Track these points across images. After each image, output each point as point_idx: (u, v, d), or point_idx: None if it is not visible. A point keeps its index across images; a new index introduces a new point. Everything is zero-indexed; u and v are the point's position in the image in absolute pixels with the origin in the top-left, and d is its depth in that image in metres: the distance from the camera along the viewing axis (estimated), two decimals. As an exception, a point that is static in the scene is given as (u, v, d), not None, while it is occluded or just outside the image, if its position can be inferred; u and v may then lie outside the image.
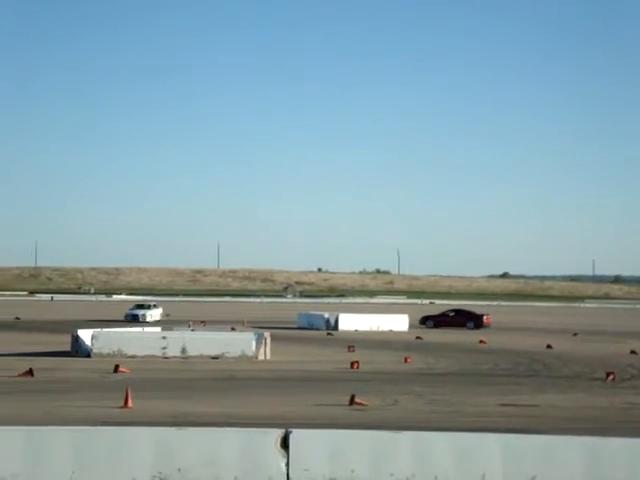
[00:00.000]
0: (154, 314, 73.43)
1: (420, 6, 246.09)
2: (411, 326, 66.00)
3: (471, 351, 46.30)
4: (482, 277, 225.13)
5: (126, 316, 71.99)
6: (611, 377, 32.90)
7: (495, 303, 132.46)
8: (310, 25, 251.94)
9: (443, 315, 71.61)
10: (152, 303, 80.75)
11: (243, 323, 64.64)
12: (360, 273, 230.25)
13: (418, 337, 55.56)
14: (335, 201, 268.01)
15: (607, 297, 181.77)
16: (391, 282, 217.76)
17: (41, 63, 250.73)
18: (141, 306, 76.71)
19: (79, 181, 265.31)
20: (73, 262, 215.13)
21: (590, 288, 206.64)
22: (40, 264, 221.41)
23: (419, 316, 72.08)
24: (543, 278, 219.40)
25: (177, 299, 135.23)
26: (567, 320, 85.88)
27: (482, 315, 70.55)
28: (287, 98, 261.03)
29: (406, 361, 39.06)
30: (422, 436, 13.25)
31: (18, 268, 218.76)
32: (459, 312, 72.69)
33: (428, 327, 68.59)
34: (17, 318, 73.91)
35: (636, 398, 27.64)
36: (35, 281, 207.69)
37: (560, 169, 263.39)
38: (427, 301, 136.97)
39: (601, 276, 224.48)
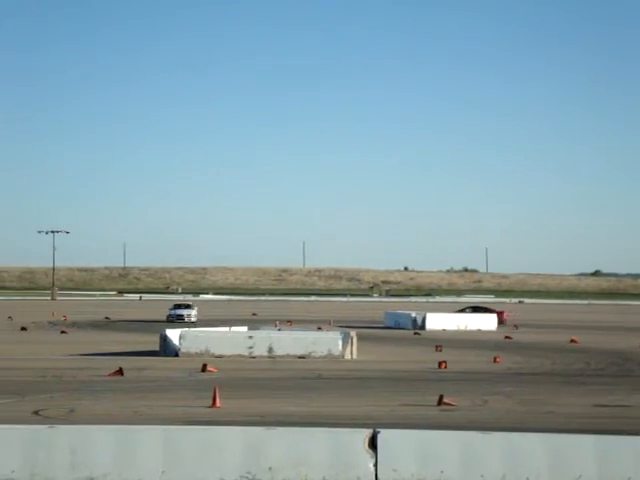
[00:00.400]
0: (193, 314, 72.77)
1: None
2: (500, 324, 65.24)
3: (562, 350, 45.54)
4: (573, 275, 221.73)
5: (169, 317, 71.55)
6: None
7: (586, 302, 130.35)
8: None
9: (461, 312, 70.93)
10: (189, 302, 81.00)
11: (329, 322, 64.63)
12: (447, 272, 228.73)
13: (507, 336, 54.86)
14: (421, 198, 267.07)
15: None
16: (479, 281, 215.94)
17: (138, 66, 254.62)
18: (180, 306, 75.94)
19: (166, 182, 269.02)
20: (161, 262, 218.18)
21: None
22: (128, 264, 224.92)
23: (509, 315, 71.26)
24: (636, 276, 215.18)
25: (263, 298, 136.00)
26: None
27: (501, 312, 69.67)
28: (384, 98, 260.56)
29: (495, 361, 38.55)
30: (513, 437, 12.99)
31: (107, 268, 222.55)
32: (477, 309, 71.83)
33: None
34: (107, 318, 75.11)
35: None
36: (124, 281, 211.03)
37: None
38: (516, 300, 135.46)
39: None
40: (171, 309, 74.24)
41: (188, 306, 76.22)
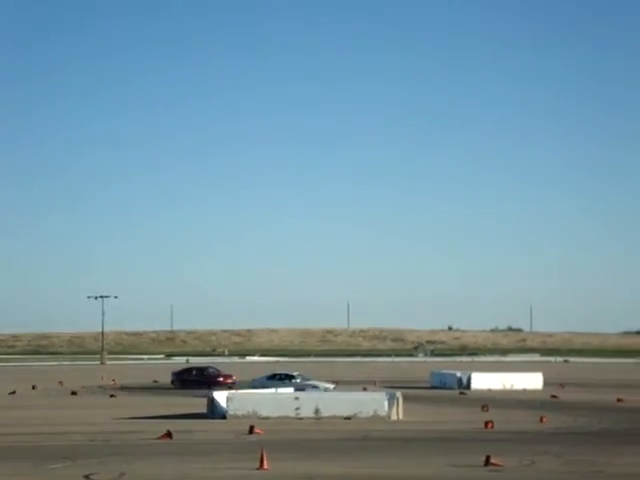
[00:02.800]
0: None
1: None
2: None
3: (610, 410, 45.16)
4: (617, 333, 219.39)
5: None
6: None
7: (633, 360, 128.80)
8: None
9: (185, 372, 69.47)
10: (293, 374, 62.78)
11: (375, 383, 64.59)
12: (492, 331, 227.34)
13: (553, 396, 54.47)
14: (464, 257, 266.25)
15: None
16: (523, 340, 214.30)
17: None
18: (281, 376, 61.41)
19: (212, 245, 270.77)
20: (207, 325, 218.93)
21: None
22: (175, 327, 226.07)
23: (553, 375, 70.67)
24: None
25: (308, 359, 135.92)
26: None
27: (228, 375, 67.55)
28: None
29: (542, 420, 38.35)
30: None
31: (155, 332, 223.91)
32: (202, 370, 69.40)
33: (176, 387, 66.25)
34: (155, 381, 75.52)
35: None
36: (171, 344, 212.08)
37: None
38: (561, 359, 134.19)
39: None
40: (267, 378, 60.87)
41: (291, 377, 60.02)
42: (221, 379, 66.76)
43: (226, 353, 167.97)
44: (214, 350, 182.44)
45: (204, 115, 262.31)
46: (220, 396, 40.75)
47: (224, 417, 39.32)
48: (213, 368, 71.14)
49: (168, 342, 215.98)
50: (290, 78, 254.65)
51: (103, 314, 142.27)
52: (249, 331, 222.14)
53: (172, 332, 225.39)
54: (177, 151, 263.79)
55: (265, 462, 24.13)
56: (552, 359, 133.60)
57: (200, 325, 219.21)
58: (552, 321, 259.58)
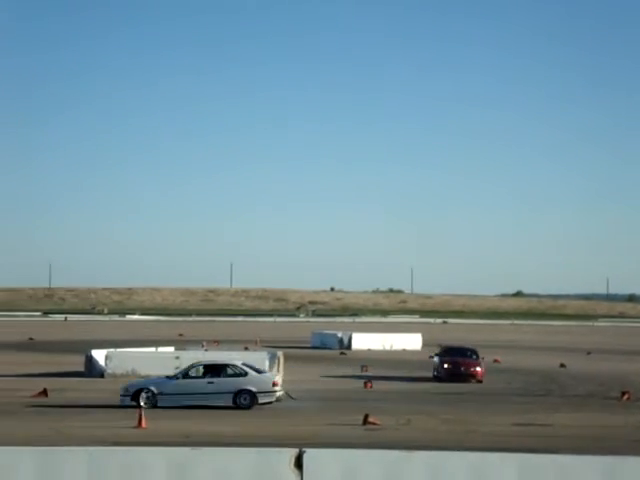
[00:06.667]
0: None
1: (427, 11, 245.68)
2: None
3: (486, 370, 46.09)
4: (495, 296, 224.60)
5: None
6: (626, 396, 32.75)
7: (508, 322, 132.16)
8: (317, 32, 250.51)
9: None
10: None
11: (256, 342, 64.62)
12: (373, 292, 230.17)
13: (431, 356, 55.32)
14: (347, 219, 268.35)
15: (621, 316, 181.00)
16: (404, 301, 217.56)
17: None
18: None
19: (92, 200, 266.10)
20: (86, 282, 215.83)
21: (604, 307, 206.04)
22: (54, 285, 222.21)
23: (432, 335, 71.84)
24: (557, 297, 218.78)
25: (190, 319, 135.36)
26: (581, 339, 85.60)
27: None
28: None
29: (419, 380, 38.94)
30: (436, 456, 13.20)
31: (32, 289, 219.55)
32: (453, 350, 68.62)
33: None
34: (31, 339, 74.05)
35: (651, 417, 27.50)
36: (49, 301, 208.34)
37: (576, 185, 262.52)
38: (440, 320, 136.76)
39: (615, 295, 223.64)
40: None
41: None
42: None
43: (105, 312, 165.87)
44: (93, 308, 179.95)
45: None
46: (99, 354, 40.14)
47: (102, 376, 38.76)
48: None
49: (46, 299, 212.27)
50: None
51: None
52: (130, 289, 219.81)
53: (50, 289, 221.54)
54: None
55: (143, 421, 23.88)
56: (431, 320, 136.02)
57: (80, 282, 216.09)
58: (432, 283, 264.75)
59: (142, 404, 27.66)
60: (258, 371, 30.21)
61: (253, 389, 28.84)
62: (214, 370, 29.46)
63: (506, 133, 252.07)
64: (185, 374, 29.39)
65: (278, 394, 29.57)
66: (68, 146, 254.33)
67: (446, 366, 39.47)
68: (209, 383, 28.99)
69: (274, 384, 29.46)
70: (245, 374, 29.13)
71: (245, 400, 28.76)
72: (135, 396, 28.40)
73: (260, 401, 28.82)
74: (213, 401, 28.77)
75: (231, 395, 28.81)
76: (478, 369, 39.35)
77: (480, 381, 38.64)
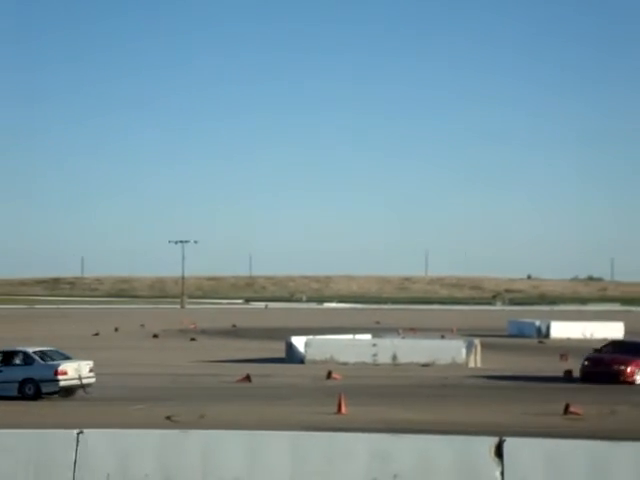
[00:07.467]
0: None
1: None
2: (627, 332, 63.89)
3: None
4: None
5: None
6: None
7: None
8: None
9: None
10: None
11: (452, 331, 64.37)
12: (571, 280, 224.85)
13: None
14: (546, 206, 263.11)
15: None
16: (604, 289, 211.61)
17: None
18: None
19: (292, 193, 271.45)
20: (285, 271, 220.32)
21: None
22: (255, 273, 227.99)
23: (635, 324, 69.61)
24: None
25: (385, 307, 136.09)
26: None
27: None
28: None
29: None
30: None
31: (234, 277, 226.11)
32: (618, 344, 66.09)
33: None
34: (234, 325, 76.37)
35: None
36: (250, 289, 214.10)
37: None
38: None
39: None
40: None
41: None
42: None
43: (304, 299, 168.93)
44: (292, 296, 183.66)
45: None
46: (298, 341, 41.02)
47: (302, 362, 39.57)
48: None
49: (247, 287, 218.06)
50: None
51: (183, 259, 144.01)
52: (327, 277, 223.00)
53: (251, 277, 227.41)
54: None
55: (343, 407, 24.23)
56: (633, 309, 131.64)
57: (279, 271, 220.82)
58: (634, 270, 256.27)
59: None
60: (64, 358, 28.13)
61: (36, 378, 27.02)
62: (5, 358, 27.76)
63: None
64: None
65: (63, 383, 27.23)
66: (269, 141, 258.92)
67: (586, 363, 34.35)
68: None
69: (57, 373, 27.14)
70: (32, 362, 27.33)
71: (30, 390, 27.12)
72: None
73: (44, 390, 27.06)
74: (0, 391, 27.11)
75: (16, 384, 27.17)
76: (624, 368, 33.35)
77: (630, 382, 32.92)
